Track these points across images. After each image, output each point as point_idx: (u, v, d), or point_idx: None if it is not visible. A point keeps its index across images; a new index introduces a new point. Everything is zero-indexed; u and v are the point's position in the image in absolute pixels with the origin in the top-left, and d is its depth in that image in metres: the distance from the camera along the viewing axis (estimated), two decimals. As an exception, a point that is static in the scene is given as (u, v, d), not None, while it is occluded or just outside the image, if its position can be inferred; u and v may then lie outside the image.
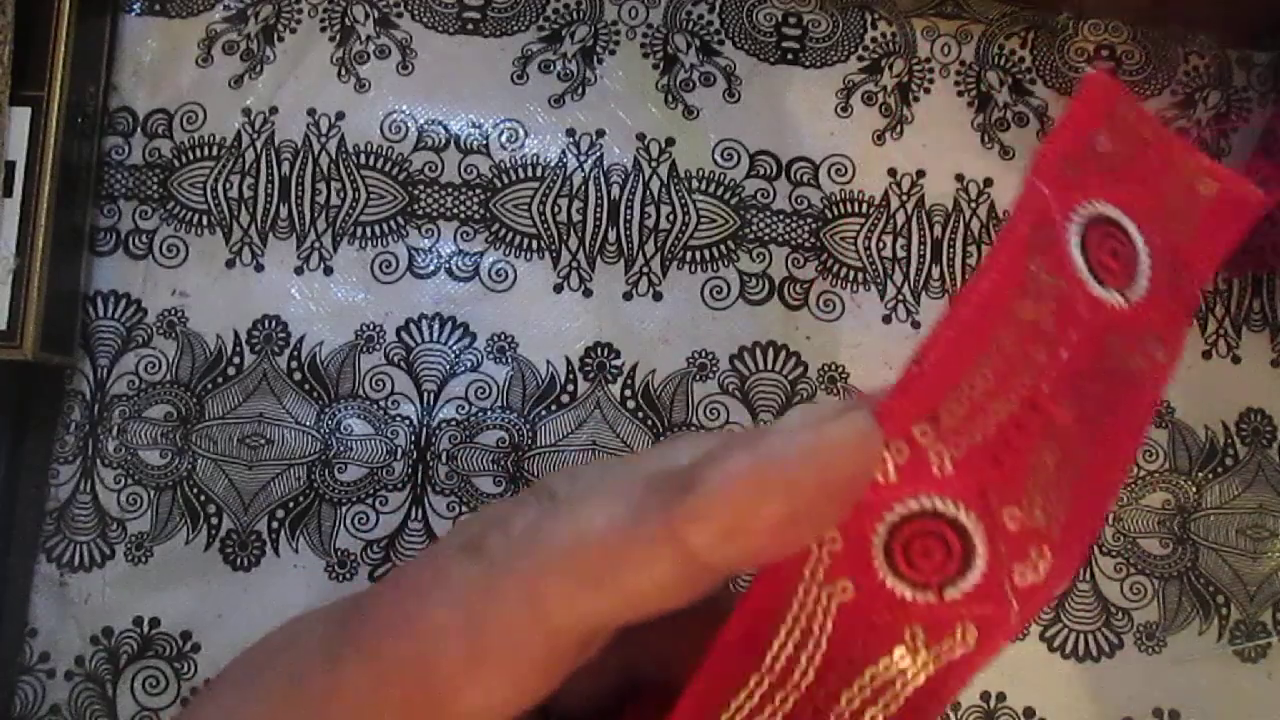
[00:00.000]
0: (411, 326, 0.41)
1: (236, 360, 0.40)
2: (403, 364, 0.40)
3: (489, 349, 0.40)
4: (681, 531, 0.13)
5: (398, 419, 0.40)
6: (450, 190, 0.41)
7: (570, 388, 0.40)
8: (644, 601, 0.14)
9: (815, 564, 0.15)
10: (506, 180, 0.41)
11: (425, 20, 0.42)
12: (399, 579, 0.16)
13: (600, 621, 0.14)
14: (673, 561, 0.14)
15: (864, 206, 0.41)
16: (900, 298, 0.41)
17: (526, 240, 0.41)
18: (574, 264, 0.41)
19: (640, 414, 0.40)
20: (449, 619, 0.14)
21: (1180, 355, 0.16)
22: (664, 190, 0.41)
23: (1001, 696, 0.39)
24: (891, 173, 0.42)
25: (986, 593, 0.15)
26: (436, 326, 0.41)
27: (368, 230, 0.41)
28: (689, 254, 0.41)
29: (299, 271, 0.41)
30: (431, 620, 0.15)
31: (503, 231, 0.41)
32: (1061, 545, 0.15)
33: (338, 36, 0.42)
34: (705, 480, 0.13)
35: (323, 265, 0.41)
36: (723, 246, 0.41)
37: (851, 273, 0.41)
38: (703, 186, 0.41)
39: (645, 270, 0.41)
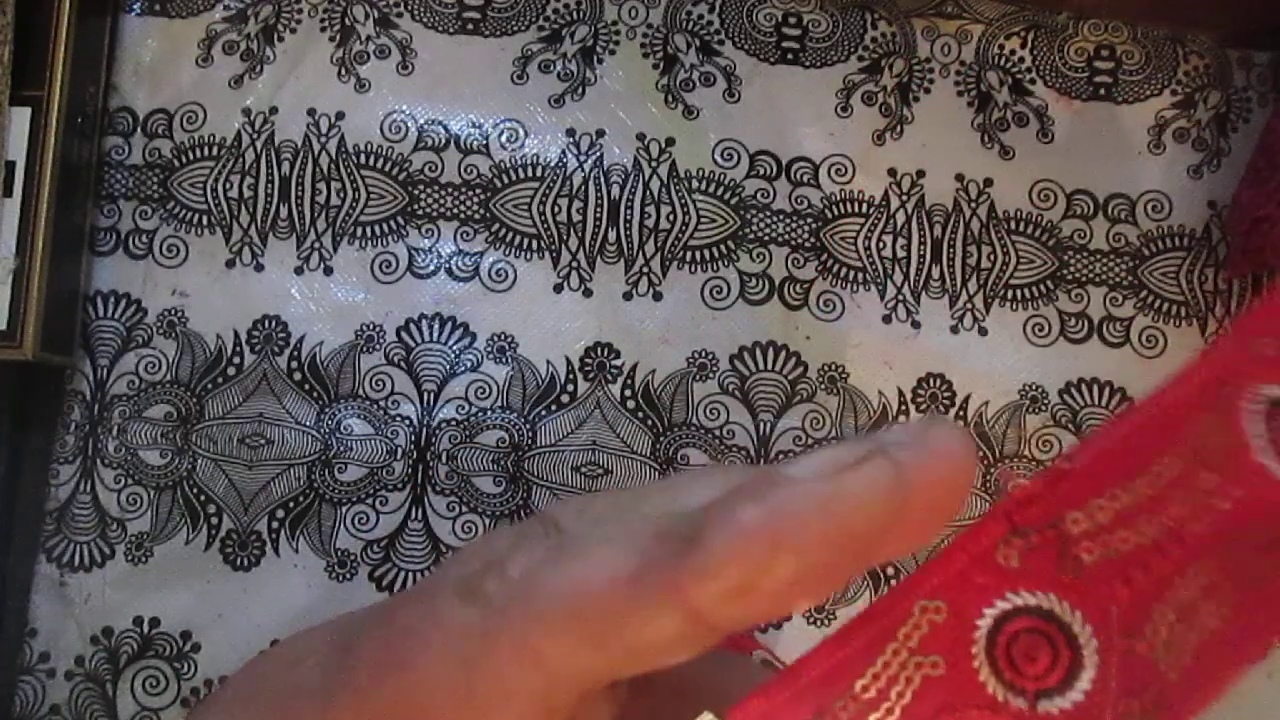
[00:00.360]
0: (411, 326, 0.41)
1: (236, 360, 0.40)
2: (403, 364, 0.40)
3: (489, 349, 0.40)
4: (688, 590, 0.13)
5: (398, 419, 0.40)
6: (450, 190, 0.41)
7: (570, 388, 0.40)
8: (645, 657, 0.13)
9: (911, 628, 0.14)
10: (506, 180, 0.41)
11: (425, 20, 0.42)
12: (393, 617, 0.15)
13: (599, 676, 0.14)
14: (677, 619, 0.13)
15: (864, 206, 0.41)
16: (900, 298, 0.41)
17: (526, 240, 0.41)
18: (574, 264, 0.41)
19: (640, 414, 0.40)
20: (442, 665, 0.14)
21: None
22: (664, 190, 0.41)
23: (1001, 696, 0.39)
24: (891, 173, 0.42)
25: (1086, 715, 0.14)
26: (436, 326, 0.41)
27: (368, 230, 0.41)
28: (689, 254, 0.41)
29: (299, 271, 0.41)
30: (425, 666, 0.14)
31: (503, 231, 0.41)
32: (1178, 693, 0.14)
33: (338, 36, 0.42)
34: (714, 536, 0.13)
35: (323, 265, 0.41)
36: (723, 246, 0.41)
37: (851, 273, 0.41)
38: (703, 186, 0.41)
39: (645, 270, 0.41)
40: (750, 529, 0.12)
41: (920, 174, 0.42)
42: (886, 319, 0.41)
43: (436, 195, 0.41)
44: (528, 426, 0.40)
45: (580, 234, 0.41)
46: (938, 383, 0.41)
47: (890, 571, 0.39)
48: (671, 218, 0.41)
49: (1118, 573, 0.14)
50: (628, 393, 0.40)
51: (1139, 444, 0.14)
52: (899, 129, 0.42)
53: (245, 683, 0.17)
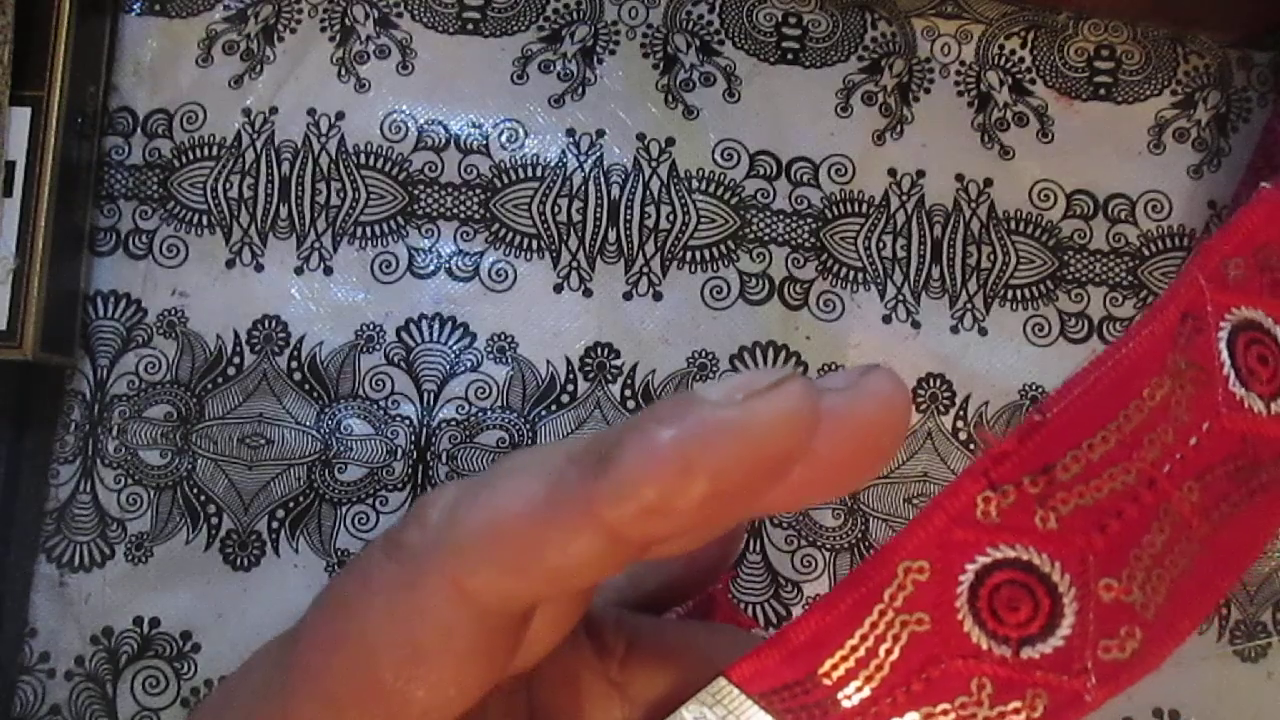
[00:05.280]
0: (411, 326, 0.41)
1: (236, 360, 0.40)
2: (403, 364, 0.40)
3: (489, 349, 0.40)
4: (601, 510, 0.13)
5: (398, 419, 0.40)
6: (450, 190, 0.41)
7: (570, 388, 0.40)
8: (570, 578, 0.14)
9: (896, 589, 0.14)
10: (506, 180, 0.41)
11: (425, 20, 0.42)
12: (328, 596, 0.15)
13: (529, 600, 0.14)
14: (594, 539, 0.13)
15: (864, 206, 0.41)
16: (900, 298, 0.41)
17: (526, 240, 0.41)
18: (574, 264, 0.41)
19: (640, 414, 0.40)
20: (380, 625, 0.14)
21: None
22: (664, 190, 0.41)
23: (1001, 696, 0.39)
24: (891, 173, 0.42)
25: (1066, 661, 0.14)
26: (436, 326, 0.41)
27: (368, 230, 0.41)
28: (689, 254, 0.41)
29: (299, 271, 0.41)
30: (364, 630, 0.14)
31: (503, 231, 0.41)
32: (1155, 631, 0.14)
33: (338, 36, 0.42)
34: (627, 456, 0.13)
35: (323, 265, 0.41)
36: (723, 246, 0.41)
37: (851, 273, 0.41)
38: (703, 186, 0.41)
39: (645, 270, 0.41)
40: (662, 449, 0.12)
41: (920, 174, 0.42)
42: (886, 319, 0.41)
43: (436, 195, 0.41)
44: (528, 426, 0.40)
45: (580, 234, 0.41)
46: (938, 383, 0.41)
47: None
48: (671, 218, 0.41)
49: (1093, 521, 0.14)
50: (628, 393, 0.40)
51: (1109, 391, 0.14)
52: (899, 129, 0.42)
53: (215, 701, 0.17)
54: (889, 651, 0.14)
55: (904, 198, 0.42)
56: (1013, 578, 0.14)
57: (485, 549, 0.14)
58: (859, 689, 0.14)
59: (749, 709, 0.15)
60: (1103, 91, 0.42)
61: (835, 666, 0.14)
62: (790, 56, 0.42)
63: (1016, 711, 0.14)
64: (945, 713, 0.14)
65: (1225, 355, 0.15)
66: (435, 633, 0.14)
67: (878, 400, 0.14)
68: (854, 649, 0.14)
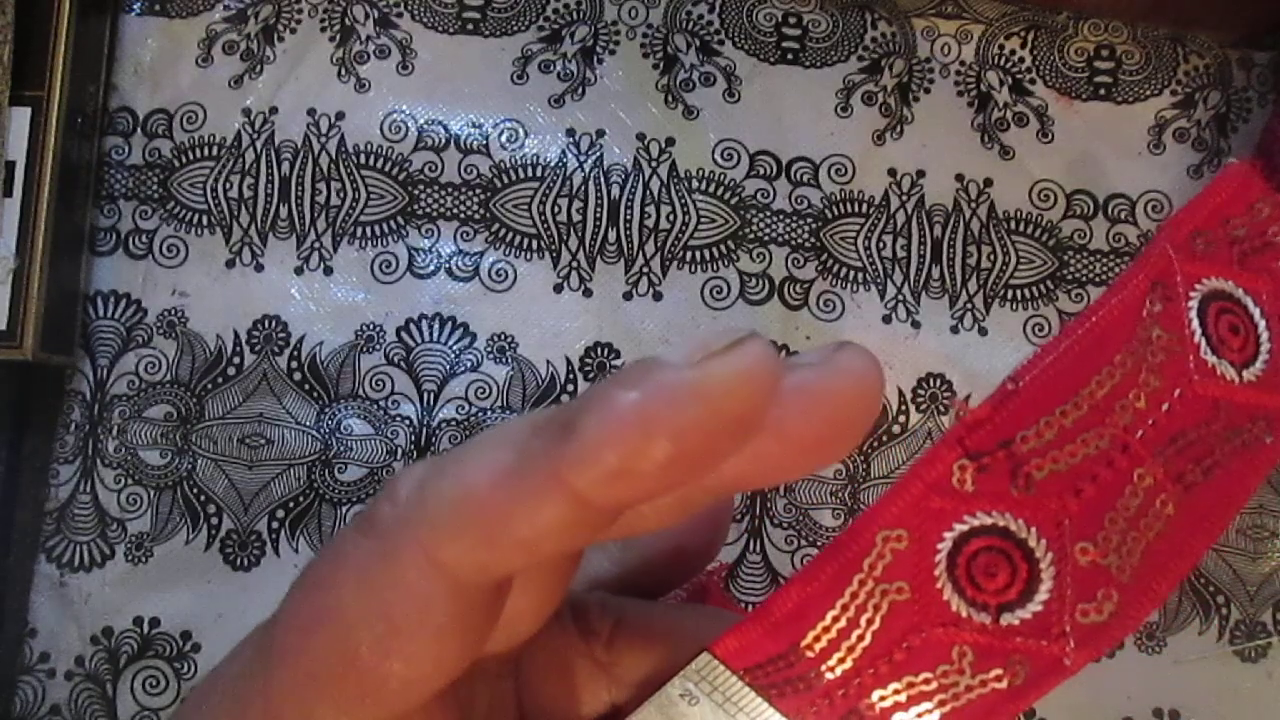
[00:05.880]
0: (411, 326, 0.41)
1: (236, 360, 0.40)
2: (403, 364, 0.40)
3: (489, 349, 0.40)
4: (567, 477, 0.13)
5: (398, 419, 0.40)
6: (450, 190, 0.41)
7: (570, 388, 0.40)
8: (541, 546, 0.14)
9: (876, 558, 0.15)
10: (506, 180, 0.41)
11: (425, 20, 0.42)
12: (305, 577, 0.16)
13: (503, 570, 0.14)
14: (561, 506, 0.13)
15: (864, 206, 0.41)
16: (900, 298, 0.41)
17: (526, 240, 0.41)
18: (574, 264, 0.41)
19: (640, 414, 0.40)
20: (355, 601, 0.14)
21: None
22: (664, 190, 0.41)
23: (1001, 696, 0.39)
24: (891, 173, 0.42)
25: (1044, 625, 0.14)
26: (436, 326, 0.41)
27: (368, 230, 0.41)
28: (689, 254, 0.41)
29: (299, 271, 0.41)
30: (340, 607, 0.14)
31: (503, 231, 0.41)
32: (1131, 594, 0.14)
33: (338, 36, 0.42)
34: (589, 422, 0.13)
35: (323, 265, 0.41)
36: (723, 246, 0.41)
37: (851, 273, 0.41)
38: (703, 186, 0.41)
39: (645, 270, 0.41)
40: (623, 413, 0.13)
41: (920, 174, 0.42)
42: (886, 319, 0.41)
43: (436, 195, 0.41)
44: (528, 426, 0.40)
45: (580, 234, 0.41)
46: (938, 383, 0.41)
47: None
48: (671, 218, 0.41)
49: (1067, 486, 0.14)
50: (628, 393, 0.40)
51: (1081, 359, 0.15)
52: (899, 129, 0.42)
53: (202, 688, 0.17)
54: (870, 621, 0.14)
55: (904, 198, 0.42)
56: (990, 544, 0.14)
57: (456, 520, 0.14)
58: (841, 660, 0.14)
59: (734, 685, 0.15)
60: (1103, 91, 0.42)
61: (818, 638, 0.15)
62: (790, 56, 0.42)
63: (998, 679, 0.14)
64: (927, 682, 0.14)
65: (1196, 324, 0.15)
66: (410, 606, 0.14)
67: (850, 375, 0.14)
68: (835, 619, 0.14)
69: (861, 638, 0.14)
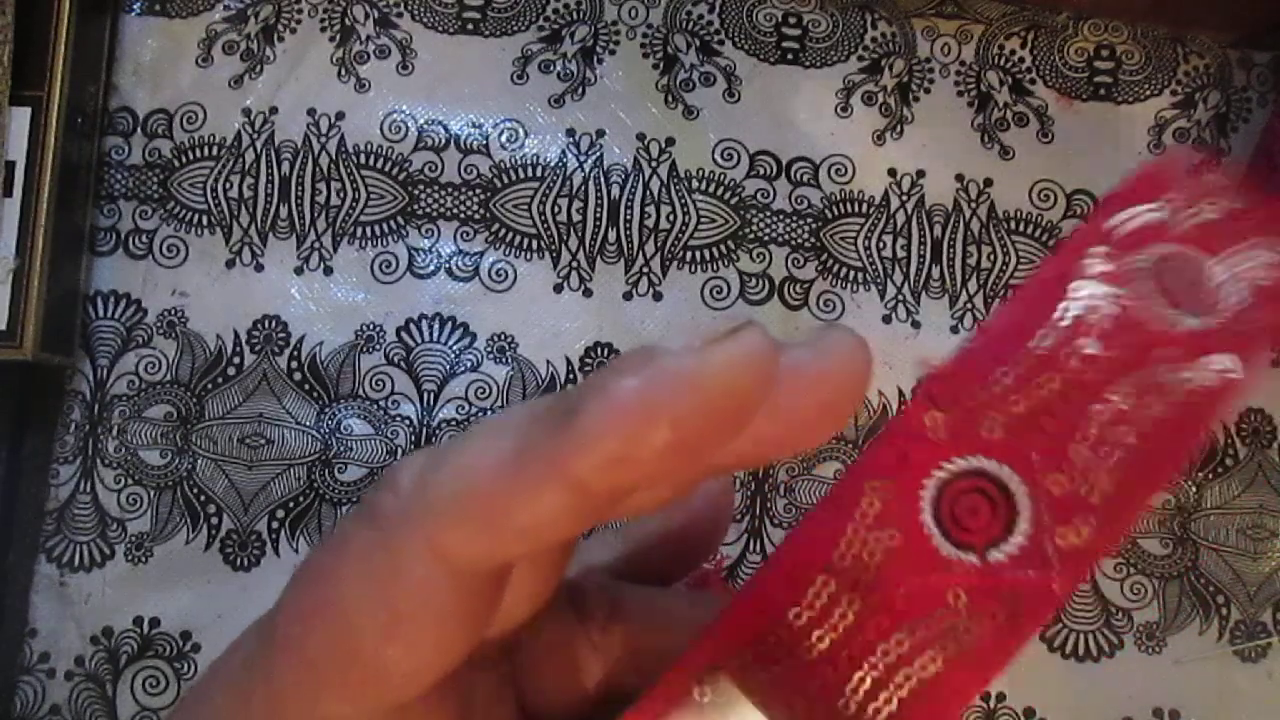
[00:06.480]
0: (411, 326, 0.41)
1: (236, 360, 0.40)
2: (403, 364, 0.40)
3: (489, 349, 0.40)
4: (567, 464, 0.13)
5: (398, 419, 0.40)
6: (450, 190, 0.41)
7: (570, 388, 0.40)
8: (542, 533, 0.14)
9: (867, 506, 0.15)
10: (506, 180, 0.41)
11: (425, 20, 0.42)
12: (306, 568, 0.16)
13: (504, 558, 0.14)
14: (562, 494, 0.13)
15: (864, 206, 0.41)
16: (900, 298, 0.41)
17: (526, 240, 0.41)
18: (574, 264, 0.41)
19: (640, 414, 0.40)
20: (357, 591, 0.14)
21: (1260, 369, 0.17)
22: (664, 190, 0.41)
23: (1001, 696, 0.39)
24: (891, 173, 0.42)
25: (1030, 554, 0.15)
26: (436, 326, 0.41)
27: (368, 230, 0.41)
28: (689, 254, 0.41)
29: (299, 271, 0.41)
30: (342, 598, 0.15)
31: (503, 231, 0.41)
32: (1104, 517, 0.15)
33: (338, 36, 0.42)
34: (589, 409, 0.13)
35: (323, 265, 0.41)
36: (723, 246, 0.41)
37: (851, 273, 0.41)
38: (703, 186, 0.41)
39: (645, 270, 0.41)
40: (624, 399, 0.13)
41: (920, 174, 0.42)
42: (886, 319, 0.41)
43: (436, 195, 0.41)
44: (528, 426, 0.40)
45: (580, 234, 0.41)
46: (938, 383, 0.41)
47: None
48: (671, 218, 0.41)
49: (1031, 424, 0.16)
50: (628, 393, 0.40)
51: (1028, 316, 0.16)
52: (899, 129, 0.42)
53: (204, 680, 0.17)
54: (866, 569, 0.15)
55: (904, 198, 0.42)
56: (969, 486, 0.15)
57: (457, 508, 0.14)
58: (843, 614, 0.15)
59: (739, 700, 0.16)
60: (1103, 91, 0.42)
61: (819, 593, 0.15)
62: (790, 56, 0.42)
63: (993, 616, 0.15)
64: (927, 627, 0.15)
65: (1150, 285, 0.17)
66: (412, 595, 0.14)
67: (840, 355, 0.14)
68: (833, 571, 0.15)
69: (860, 586, 0.15)
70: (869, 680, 0.15)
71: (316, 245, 0.41)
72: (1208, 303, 0.17)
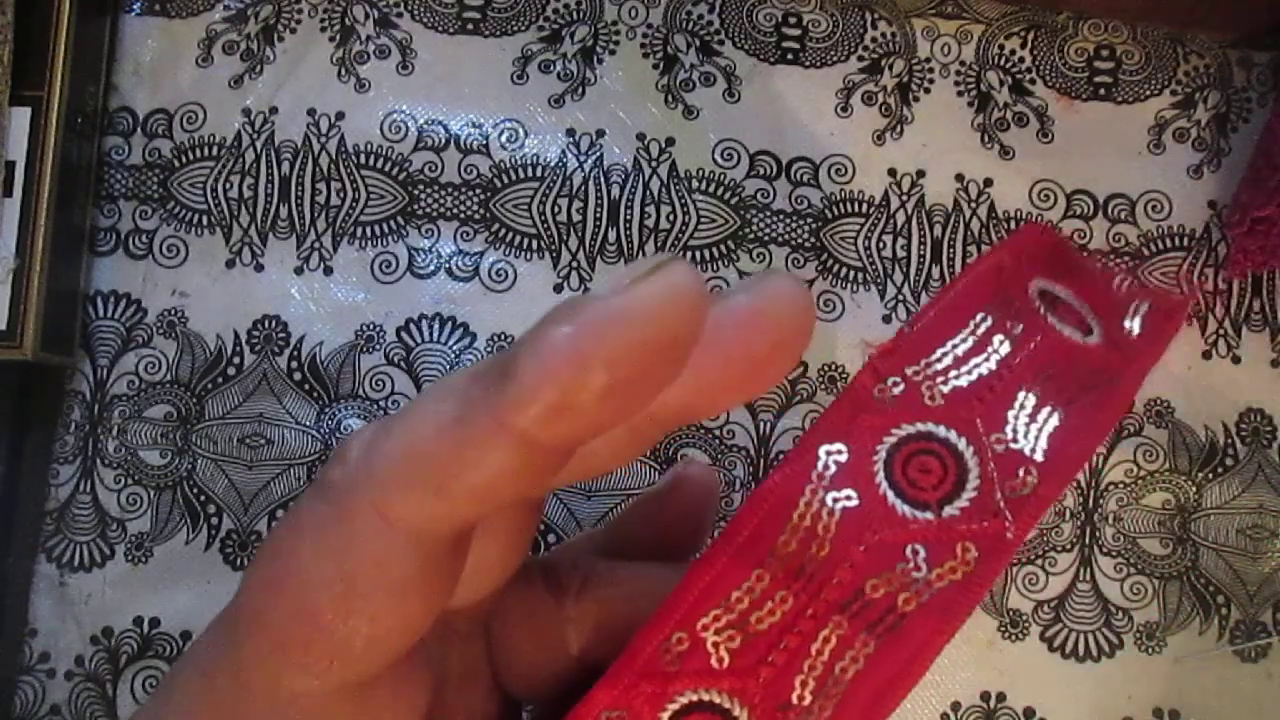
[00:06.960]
0: (411, 326, 0.41)
1: (236, 360, 0.40)
2: (403, 364, 0.40)
3: (489, 349, 0.40)
4: (509, 419, 0.13)
5: (398, 419, 0.40)
6: (450, 190, 0.41)
7: (570, 388, 0.40)
8: (494, 493, 0.14)
9: (823, 469, 0.16)
10: (506, 180, 0.41)
11: (425, 20, 0.42)
12: (265, 548, 0.16)
13: (458, 522, 0.14)
14: (509, 450, 0.13)
15: (864, 206, 0.41)
16: (900, 298, 0.41)
17: (526, 240, 0.41)
18: (574, 264, 0.41)
19: (640, 414, 0.40)
20: (314, 564, 0.14)
21: (1157, 358, 0.19)
22: (664, 190, 0.41)
23: (1001, 696, 0.39)
24: (891, 173, 0.42)
25: (982, 507, 0.16)
26: (436, 326, 0.41)
27: (368, 230, 0.41)
28: (689, 254, 0.41)
29: (299, 271, 0.41)
30: (299, 571, 0.15)
31: (503, 231, 0.41)
32: (1045, 470, 0.16)
33: (338, 36, 0.42)
34: (524, 361, 0.13)
35: (323, 265, 0.41)
36: (723, 246, 0.41)
37: (851, 273, 0.41)
38: (703, 186, 0.41)
39: (645, 270, 0.41)
40: (556, 347, 0.13)
41: (920, 174, 0.42)
42: (886, 319, 0.41)
43: (436, 195, 0.41)
44: (528, 426, 0.40)
45: (580, 234, 0.41)
46: (938, 383, 0.41)
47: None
48: (671, 218, 0.41)
49: (971, 394, 0.17)
50: (628, 393, 0.40)
51: (958, 308, 0.18)
52: (899, 129, 0.42)
53: (178, 666, 0.18)
54: (827, 528, 0.16)
55: (904, 198, 0.42)
56: (919, 448, 0.16)
57: (404, 475, 0.14)
58: (808, 575, 0.16)
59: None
60: (1103, 91, 0.42)
61: (780, 554, 0.16)
62: (790, 56, 0.42)
63: (953, 569, 0.16)
64: (889, 581, 0.16)
65: (1038, 301, 0.19)
66: (367, 564, 0.14)
67: (775, 294, 0.14)
68: (794, 530, 0.16)
69: (822, 546, 0.16)
70: (834, 639, 0.16)
71: (316, 245, 0.41)
72: (1086, 323, 0.19)
